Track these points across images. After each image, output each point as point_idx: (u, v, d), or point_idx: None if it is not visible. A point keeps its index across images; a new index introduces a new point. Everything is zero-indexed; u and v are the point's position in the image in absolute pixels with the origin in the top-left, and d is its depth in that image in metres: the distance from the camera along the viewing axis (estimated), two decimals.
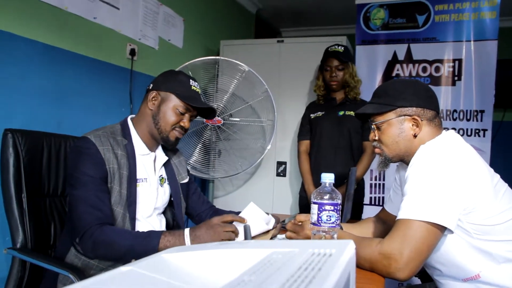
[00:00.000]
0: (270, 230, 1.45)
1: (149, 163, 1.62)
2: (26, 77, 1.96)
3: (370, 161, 2.63)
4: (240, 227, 1.41)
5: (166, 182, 1.70)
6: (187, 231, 1.36)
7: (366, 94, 2.94)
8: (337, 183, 2.58)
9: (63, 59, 2.14)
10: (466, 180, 1.15)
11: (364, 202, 2.85)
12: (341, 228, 1.49)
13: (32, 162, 1.64)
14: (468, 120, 2.83)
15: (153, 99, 1.57)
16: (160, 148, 1.68)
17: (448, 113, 2.87)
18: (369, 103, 1.39)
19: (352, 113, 2.64)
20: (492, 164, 2.77)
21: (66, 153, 1.81)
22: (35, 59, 1.99)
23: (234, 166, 3.01)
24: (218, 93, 2.89)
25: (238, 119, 2.92)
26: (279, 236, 1.54)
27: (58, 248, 1.62)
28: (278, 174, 3.32)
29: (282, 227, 1.57)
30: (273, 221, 1.46)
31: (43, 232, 1.65)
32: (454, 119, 2.86)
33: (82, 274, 1.36)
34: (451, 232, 1.16)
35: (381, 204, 3.02)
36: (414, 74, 2.95)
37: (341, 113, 2.66)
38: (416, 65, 2.99)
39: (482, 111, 2.81)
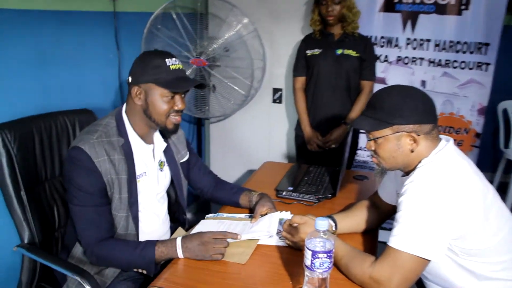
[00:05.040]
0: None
1: (148, 154, 1.60)
2: (2, 49, 1.83)
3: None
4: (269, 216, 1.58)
5: (166, 164, 1.69)
6: (179, 241, 1.41)
7: (365, 27, 2.78)
8: (334, 124, 2.59)
9: (38, 20, 1.97)
10: (457, 210, 1.17)
11: (360, 146, 2.87)
12: (334, 221, 1.54)
13: (25, 155, 1.63)
14: (471, 53, 2.70)
15: (137, 94, 1.49)
16: (157, 133, 1.64)
17: (451, 44, 2.72)
18: (364, 114, 1.34)
19: (350, 52, 2.53)
20: (497, 85, 2.69)
21: (58, 132, 1.79)
22: (8, 28, 1.84)
23: (227, 105, 2.99)
24: (203, 32, 2.73)
25: (228, 61, 2.80)
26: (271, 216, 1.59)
27: (67, 236, 1.68)
28: (274, 101, 3.28)
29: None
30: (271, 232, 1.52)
31: (48, 220, 1.70)
32: (457, 51, 2.72)
33: (92, 278, 1.44)
34: None
35: None
36: (418, 0, 2.71)
37: (339, 51, 2.54)
38: None
39: (487, 44, 2.67)
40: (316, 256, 1.09)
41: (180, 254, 1.40)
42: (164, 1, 2.66)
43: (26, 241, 1.60)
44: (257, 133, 3.41)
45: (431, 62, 2.83)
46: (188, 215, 2.19)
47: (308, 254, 1.11)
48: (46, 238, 1.68)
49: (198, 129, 3.44)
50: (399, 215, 1.21)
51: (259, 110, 3.34)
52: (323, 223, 1.10)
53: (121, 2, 2.47)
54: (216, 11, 2.83)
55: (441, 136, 1.34)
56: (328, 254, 1.09)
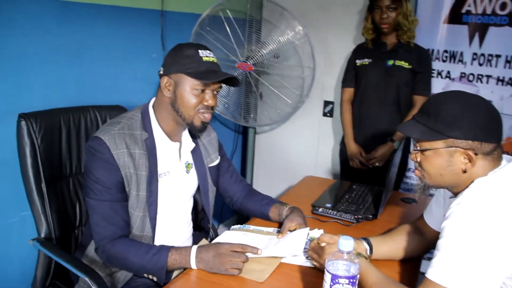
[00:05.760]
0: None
1: (173, 153, 1.51)
2: (41, 41, 1.81)
3: None
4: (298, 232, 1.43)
5: (193, 167, 1.59)
6: (194, 250, 1.30)
7: (427, 39, 2.57)
8: (380, 141, 2.39)
9: (82, 14, 1.95)
10: None
11: (410, 168, 2.64)
12: (370, 244, 1.35)
13: (50, 147, 1.58)
14: None
15: (167, 85, 1.41)
16: (186, 132, 1.55)
17: None
18: (415, 119, 1.15)
19: (402, 63, 2.32)
20: None
21: (87, 127, 1.74)
22: (49, 19, 1.83)
23: (273, 115, 2.86)
24: (252, 36, 2.63)
25: (277, 68, 2.68)
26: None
27: (84, 234, 1.62)
28: (324, 114, 3.11)
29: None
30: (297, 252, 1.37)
31: (68, 216, 1.65)
32: None
33: (100, 279, 1.34)
34: None
35: None
36: (489, 11, 2.45)
37: (391, 62, 2.34)
38: None
39: None
40: (336, 281, 0.92)
41: (193, 264, 1.29)
42: (213, 2, 2.59)
43: (42, 235, 1.54)
44: (305, 146, 3.23)
45: (499, 80, 2.54)
46: (224, 229, 2.07)
47: (327, 278, 0.94)
48: (65, 235, 1.62)
49: (243, 138, 3.33)
50: (441, 243, 1.02)
51: (308, 123, 3.17)
52: (348, 243, 0.93)
53: (170, 0, 2.43)
54: (267, 15, 2.73)
55: (503, 155, 1.12)
56: (351, 280, 0.92)
